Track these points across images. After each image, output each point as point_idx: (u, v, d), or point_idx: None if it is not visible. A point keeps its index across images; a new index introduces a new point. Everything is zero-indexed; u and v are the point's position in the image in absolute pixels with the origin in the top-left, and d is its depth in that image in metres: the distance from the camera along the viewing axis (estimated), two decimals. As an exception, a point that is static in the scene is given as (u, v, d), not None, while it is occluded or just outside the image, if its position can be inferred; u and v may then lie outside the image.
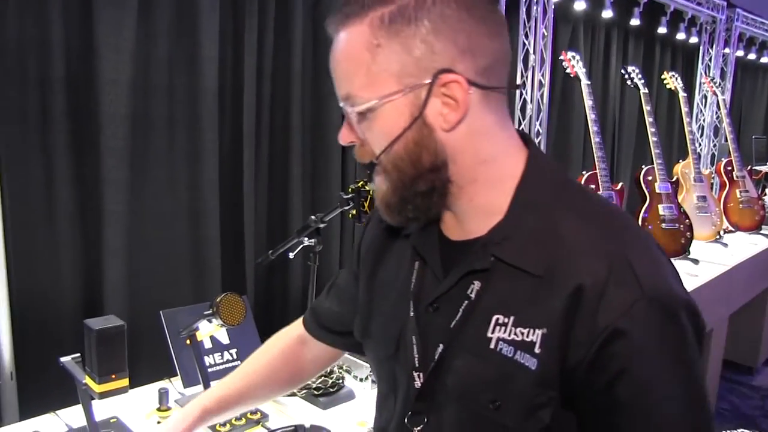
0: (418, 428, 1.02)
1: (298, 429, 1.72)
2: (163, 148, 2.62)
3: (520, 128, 4.36)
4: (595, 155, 3.77)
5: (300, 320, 1.45)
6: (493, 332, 0.92)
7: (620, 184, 3.85)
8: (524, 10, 4.26)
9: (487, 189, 0.96)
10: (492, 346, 0.92)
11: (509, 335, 0.90)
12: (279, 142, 3.05)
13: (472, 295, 0.95)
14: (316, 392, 2.07)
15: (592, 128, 3.81)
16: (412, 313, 1.04)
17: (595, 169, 3.75)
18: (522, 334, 0.89)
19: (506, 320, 0.91)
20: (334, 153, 3.21)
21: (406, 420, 1.04)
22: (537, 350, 0.88)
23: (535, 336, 0.88)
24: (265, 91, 2.94)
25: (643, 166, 4.18)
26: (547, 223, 0.92)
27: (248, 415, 1.91)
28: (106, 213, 2.44)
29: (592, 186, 3.73)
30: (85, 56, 2.37)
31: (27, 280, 2.33)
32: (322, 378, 2.10)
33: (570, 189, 0.98)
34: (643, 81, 4.31)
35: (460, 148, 0.93)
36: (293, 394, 2.09)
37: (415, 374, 1.02)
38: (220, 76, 2.73)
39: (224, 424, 1.87)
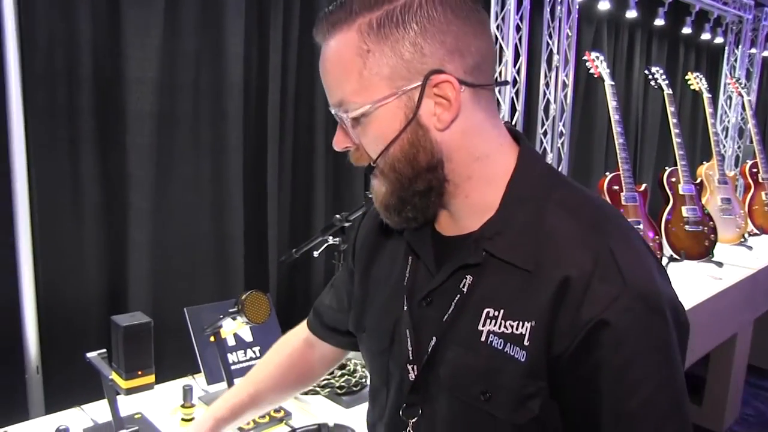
0: (413, 420, 1.05)
1: (321, 428, 1.72)
2: (188, 145, 2.64)
3: (543, 129, 4.36)
4: (618, 156, 3.75)
5: (304, 322, 1.47)
6: (483, 325, 0.95)
7: (644, 186, 3.82)
8: (548, 10, 4.24)
9: (481, 186, 0.98)
10: (483, 338, 0.94)
11: (499, 328, 0.93)
12: (303, 140, 3.05)
13: (464, 289, 0.98)
14: (339, 391, 2.08)
15: (616, 129, 3.79)
16: (405, 308, 1.06)
17: (619, 170, 3.73)
18: (512, 327, 0.92)
19: (497, 313, 0.94)
20: (357, 151, 3.21)
21: (400, 412, 1.06)
22: (526, 342, 0.90)
23: (524, 329, 0.91)
24: (290, 88, 2.95)
25: (667, 168, 4.16)
26: (536, 218, 0.94)
27: (272, 414, 1.92)
28: (131, 209, 2.46)
29: (616, 187, 3.71)
30: (112, 54, 2.38)
31: (53, 276, 2.35)
32: (346, 377, 2.10)
33: (559, 185, 1.00)
34: (667, 82, 4.28)
35: (455, 146, 0.95)
36: (316, 393, 2.10)
37: (409, 367, 1.04)
38: (245, 73, 2.74)
39: (248, 422, 1.87)
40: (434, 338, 1.00)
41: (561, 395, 0.91)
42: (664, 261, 3.75)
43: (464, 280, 0.98)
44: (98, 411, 1.98)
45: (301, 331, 1.47)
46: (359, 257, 1.25)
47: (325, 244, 2.17)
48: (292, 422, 1.93)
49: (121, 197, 2.45)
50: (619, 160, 3.73)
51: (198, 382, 2.18)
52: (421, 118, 0.93)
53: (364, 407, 2.03)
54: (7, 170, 2.17)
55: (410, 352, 1.04)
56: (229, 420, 1.40)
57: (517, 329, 0.91)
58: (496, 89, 3.94)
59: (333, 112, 0.99)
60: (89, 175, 2.40)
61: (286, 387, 1.47)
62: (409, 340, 1.04)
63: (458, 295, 0.98)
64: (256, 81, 2.84)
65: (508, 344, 0.92)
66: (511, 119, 4.04)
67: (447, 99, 0.92)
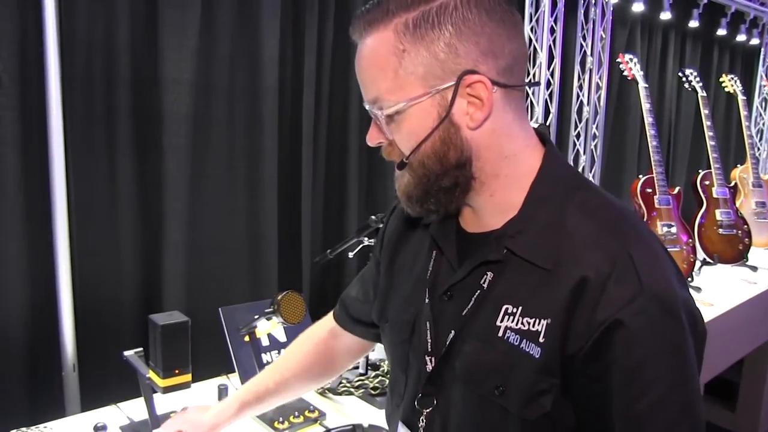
0: (428, 410, 1.08)
1: (356, 428, 1.73)
2: (224, 147, 2.65)
3: (576, 131, 4.33)
4: (651, 159, 3.72)
5: (331, 314, 1.52)
6: (501, 321, 0.97)
7: (677, 189, 3.78)
8: (582, 12, 4.21)
9: (507, 185, 1.01)
10: (500, 334, 0.97)
11: (516, 324, 0.95)
12: (336, 142, 3.06)
13: (485, 285, 1.00)
14: (373, 392, 2.08)
15: (650, 131, 3.76)
16: (427, 300, 1.09)
17: (652, 173, 3.70)
18: (528, 323, 0.94)
19: (515, 310, 0.96)
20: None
21: (416, 402, 1.09)
22: (541, 339, 0.92)
23: (540, 326, 0.93)
24: (324, 90, 2.95)
25: (700, 171, 4.12)
26: (557, 219, 0.96)
27: (306, 413, 1.93)
28: (167, 210, 2.48)
29: (649, 190, 3.68)
30: (150, 56, 2.40)
31: (90, 274, 2.37)
32: (379, 378, 2.11)
33: (582, 187, 1.02)
34: (701, 84, 4.24)
35: (484, 144, 0.98)
36: (350, 393, 2.10)
37: (427, 358, 1.07)
38: (279, 76, 2.75)
39: (282, 422, 1.88)
40: (452, 332, 1.03)
41: (573, 393, 0.93)
42: (698, 265, 3.71)
43: (485, 276, 1.00)
44: (134, 409, 2.00)
45: (326, 322, 1.52)
46: (385, 250, 1.28)
47: (360, 245, 2.18)
48: (326, 422, 1.94)
49: (157, 198, 2.47)
50: (653, 163, 3.70)
51: (232, 381, 2.19)
52: (454, 117, 0.96)
53: (398, 409, 2.04)
54: (46, 171, 2.20)
55: (429, 344, 1.07)
56: (254, 404, 1.47)
57: (533, 326, 0.93)
58: (530, 92, 3.95)
59: (367, 108, 1.02)
60: (126, 175, 2.42)
61: (311, 376, 1.52)
62: (428, 332, 1.07)
63: (478, 291, 1.01)
64: (291, 83, 2.85)
65: (524, 340, 0.94)
66: (545, 121, 4.02)
67: (479, 99, 0.94)
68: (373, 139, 1.06)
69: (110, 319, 2.44)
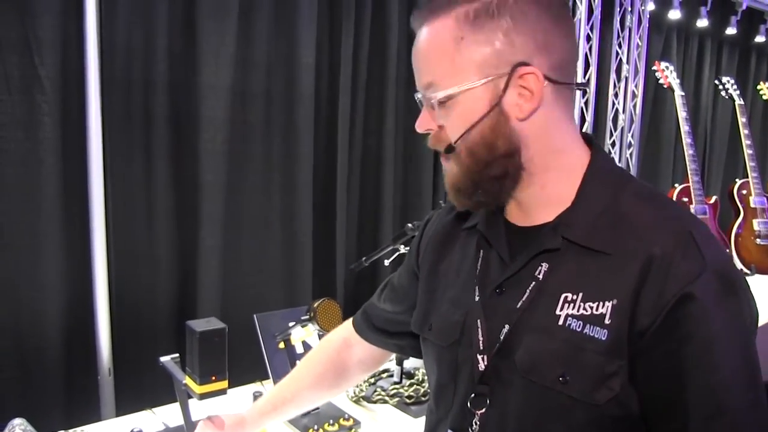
0: (481, 411, 1.05)
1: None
2: (259, 153, 2.66)
3: (612, 139, 4.29)
4: (688, 168, 3.68)
5: (348, 323, 1.51)
6: (561, 309, 0.97)
7: (714, 198, 3.73)
8: (618, 19, 4.17)
9: (558, 178, 1.02)
10: (561, 322, 0.96)
11: (578, 311, 0.95)
12: (372, 149, 3.06)
13: (540, 276, 1.00)
14: (408, 400, 2.07)
15: (686, 140, 3.72)
16: (477, 298, 1.08)
17: (688, 182, 3.65)
18: (591, 308, 0.94)
19: (575, 297, 0.96)
20: (426, 161, 3.21)
21: (468, 404, 1.06)
22: (607, 321, 0.93)
23: (605, 308, 0.93)
24: (360, 97, 2.96)
25: (737, 180, 4.06)
26: (612, 206, 0.98)
27: (341, 421, 1.92)
28: (202, 215, 2.49)
29: (685, 199, 3.63)
30: (188, 63, 2.42)
31: (126, 279, 2.39)
32: (414, 386, 2.09)
33: (632, 180, 1.05)
34: (738, 92, 4.18)
35: (533, 136, 0.99)
36: (385, 402, 2.09)
37: (479, 357, 1.06)
38: (316, 83, 2.75)
39: (317, 429, 1.88)
40: (507, 326, 1.02)
41: (642, 373, 0.92)
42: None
43: (540, 267, 1.01)
44: (168, 414, 2.00)
45: (342, 330, 1.52)
46: (425, 257, 1.27)
47: (396, 253, 2.16)
48: (360, 431, 1.93)
49: (193, 203, 2.48)
50: (689, 172, 3.66)
51: (266, 388, 2.19)
52: (504, 106, 0.97)
53: (433, 417, 2.03)
54: (84, 175, 2.23)
55: (481, 342, 1.06)
56: (272, 415, 1.48)
57: (596, 310, 0.94)
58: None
59: (419, 95, 1.05)
60: (162, 180, 2.44)
61: (323, 388, 1.51)
62: (480, 329, 1.06)
63: (533, 283, 1.01)
64: (327, 91, 2.86)
65: (588, 325, 0.94)
66: (580, 129, 3.98)
67: (530, 90, 0.96)
68: (422, 125, 1.07)
69: (145, 324, 2.46)
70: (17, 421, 1.52)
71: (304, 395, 1.49)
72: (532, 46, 0.96)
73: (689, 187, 3.65)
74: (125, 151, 2.35)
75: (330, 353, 1.50)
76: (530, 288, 1.01)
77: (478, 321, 1.07)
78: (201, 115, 2.44)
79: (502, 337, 1.02)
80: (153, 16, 2.34)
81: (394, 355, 1.91)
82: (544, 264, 1.00)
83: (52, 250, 2.22)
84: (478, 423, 1.06)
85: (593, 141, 1.08)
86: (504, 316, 1.03)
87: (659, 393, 0.93)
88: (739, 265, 3.82)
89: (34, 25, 2.10)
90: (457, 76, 0.98)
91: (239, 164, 2.59)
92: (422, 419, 2.00)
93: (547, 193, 1.03)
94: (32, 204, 2.17)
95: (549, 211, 1.02)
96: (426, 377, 2.16)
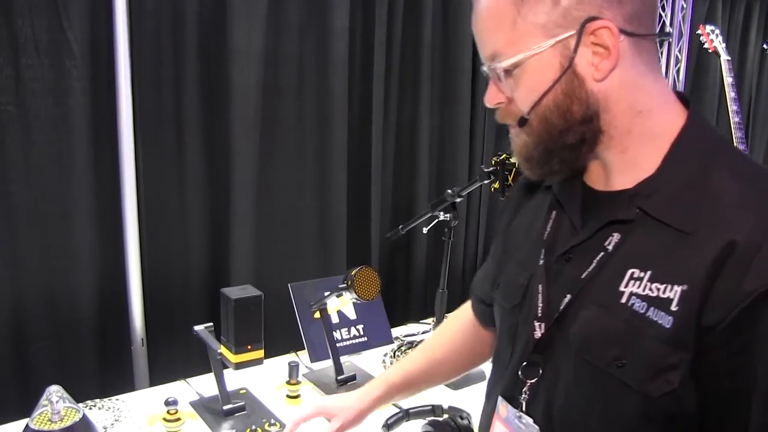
0: (532, 381, 1.00)
1: (435, 409, 1.67)
2: (292, 120, 2.60)
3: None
4: (733, 135, 3.56)
5: (465, 307, 1.43)
6: (626, 286, 0.89)
7: (759, 166, 3.60)
8: (660, -19, 4.04)
9: (641, 142, 0.93)
10: (623, 300, 0.89)
11: (643, 290, 0.87)
12: (407, 116, 2.98)
13: (609, 247, 0.93)
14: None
15: (731, 107, 3.59)
16: (541, 262, 1.03)
17: (732, 150, 3.53)
18: (658, 290, 0.86)
19: (642, 275, 0.88)
20: (462, 126, 3.12)
21: (519, 372, 1.01)
22: (674, 307, 0.83)
23: (673, 293, 0.84)
24: (395, 61, 2.88)
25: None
26: (701, 179, 0.88)
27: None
28: (235, 184, 2.45)
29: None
30: (218, 26, 2.36)
31: (158, 249, 2.37)
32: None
33: (730, 150, 0.94)
34: (787, 57, 4.04)
35: (613, 97, 0.91)
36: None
37: (536, 324, 1.00)
38: (350, 47, 2.68)
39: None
40: (568, 296, 0.96)
41: (704, 371, 0.83)
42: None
43: (610, 237, 0.93)
44: (203, 384, 1.98)
45: (469, 306, 1.43)
46: (505, 213, 1.23)
47: (435, 220, 2.10)
48: (401, 403, 1.87)
49: (225, 171, 2.44)
50: (734, 139, 3.54)
51: (301, 359, 2.15)
52: (578, 68, 0.90)
53: (472, 390, 1.98)
54: (115, 143, 2.21)
55: (539, 309, 1.00)
56: (401, 388, 1.40)
57: (663, 293, 0.85)
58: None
59: (485, 67, 0.97)
60: (194, 147, 2.39)
61: (459, 361, 1.44)
62: (540, 295, 1.01)
63: (602, 253, 0.93)
64: (361, 54, 2.78)
65: (652, 308, 0.85)
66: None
67: (605, 47, 0.88)
68: (491, 99, 0.99)
69: (178, 294, 2.44)
70: (54, 387, 1.50)
71: (438, 370, 1.43)
72: None
73: (734, 154, 3.52)
74: (155, 117, 2.31)
75: (466, 327, 1.41)
76: (598, 258, 0.93)
77: (540, 286, 1.01)
78: (232, 79, 2.38)
79: (561, 307, 0.96)
80: (183, 12, 2.29)
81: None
82: (615, 234, 0.93)
83: (84, 218, 2.19)
84: (527, 393, 1.01)
85: (690, 103, 0.97)
86: (567, 284, 0.97)
87: (720, 397, 0.84)
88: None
89: (61, -12, 2.05)
90: (521, 42, 0.90)
91: (272, 130, 2.54)
92: (462, 392, 1.98)
93: (628, 157, 0.94)
94: (64, 172, 2.14)
95: (629, 177, 0.94)
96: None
